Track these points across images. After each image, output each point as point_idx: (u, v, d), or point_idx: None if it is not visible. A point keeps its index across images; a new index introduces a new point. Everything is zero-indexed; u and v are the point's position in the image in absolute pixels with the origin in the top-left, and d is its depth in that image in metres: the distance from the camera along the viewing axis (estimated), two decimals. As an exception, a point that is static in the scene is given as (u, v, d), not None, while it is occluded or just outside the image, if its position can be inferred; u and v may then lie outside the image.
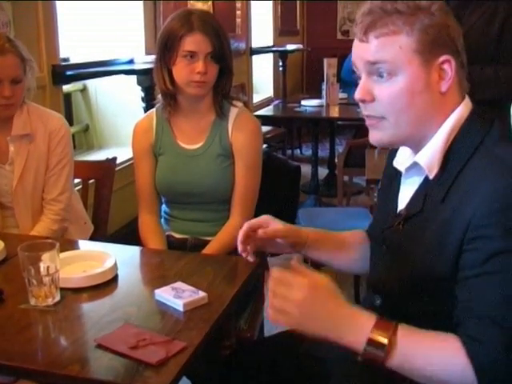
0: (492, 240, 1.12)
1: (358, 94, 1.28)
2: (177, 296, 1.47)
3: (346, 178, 4.38)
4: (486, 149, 1.22)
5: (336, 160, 4.95)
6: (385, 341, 1.12)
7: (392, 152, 1.46)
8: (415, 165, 1.30)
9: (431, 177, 1.26)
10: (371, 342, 1.13)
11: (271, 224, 1.51)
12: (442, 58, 1.22)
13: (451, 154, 1.25)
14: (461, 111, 1.26)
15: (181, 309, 1.44)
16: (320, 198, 5.13)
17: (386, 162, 1.51)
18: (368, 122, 1.31)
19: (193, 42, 1.99)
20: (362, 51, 1.26)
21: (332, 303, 1.18)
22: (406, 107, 1.24)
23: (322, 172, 5.60)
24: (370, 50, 1.24)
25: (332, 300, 1.18)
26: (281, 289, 1.17)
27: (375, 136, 1.31)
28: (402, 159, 1.38)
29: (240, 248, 1.53)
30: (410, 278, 1.29)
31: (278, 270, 1.19)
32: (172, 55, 2.03)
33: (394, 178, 1.43)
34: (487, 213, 1.12)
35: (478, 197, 1.14)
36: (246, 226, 1.51)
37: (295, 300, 1.15)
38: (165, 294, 1.49)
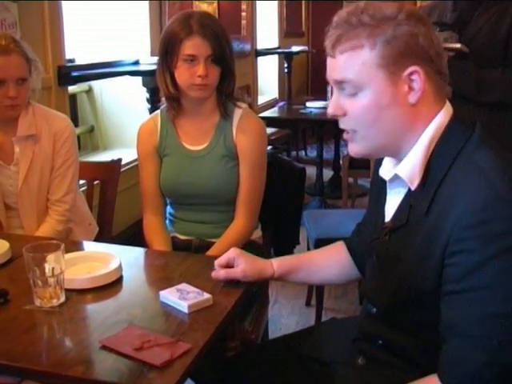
0: (471, 254, 1.11)
1: (329, 109, 1.29)
2: (181, 297, 1.47)
3: (350, 179, 4.38)
4: (466, 155, 1.20)
5: (341, 162, 4.94)
6: None
7: (378, 159, 1.45)
8: (397, 176, 1.29)
9: (413, 188, 1.25)
10: None
11: (237, 261, 1.58)
12: (409, 70, 1.19)
13: (432, 164, 1.23)
14: (440, 119, 1.24)
15: (185, 310, 1.44)
16: (325, 199, 5.12)
17: (373, 169, 1.50)
18: (344, 136, 1.31)
19: (192, 45, 1.99)
20: (331, 69, 1.26)
21: None
22: (375, 121, 1.23)
23: (327, 174, 5.60)
24: (336, 68, 1.24)
25: None
26: None
27: (352, 149, 1.31)
28: (388, 167, 1.37)
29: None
30: (398, 290, 1.29)
31: None
32: (173, 59, 2.03)
33: (381, 187, 1.42)
34: (465, 227, 1.11)
35: (456, 209, 1.13)
36: (216, 265, 1.60)
37: None
38: (169, 296, 1.49)
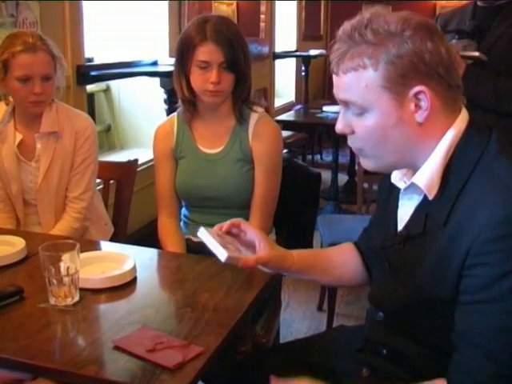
0: (491, 267, 1.10)
1: (337, 127, 1.28)
2: (223, 245, 1.40)
3: (365, 185, 4.35)
4: (486, 165, 1.18)
5: (356, 167, 4.93)
6: None
7: None
8: (413, 184, 1.26)
9: (431, 197, 1.23)
10: None
11: (260, 244, 1.45)
12: (414, 90, 1.16)
13: (450, 173, 1.21)
14: (456, 129, 1.21)
15: (222, 259, 1.38)
16: (339, 204, 5.11)
17: (384, 174, 1.48)
18: (354, 150, 1.31)
19: (205, 52, 1.99)
20: (336, 87, 1.24)
21: None
22: (381, 142, 1.22)
23: (342, 178, 5.58)
24: (340, 88, 1.22)
25: None
26: None
27: (364, 163, 1.31)
28: (400, 174, 1.35)
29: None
30: (411, 298, 1.28)
31: None
32: (188, 63, 2.04)
33: (391, 191, 1.40)
34: (486, 240, 1.10)
35: (477, 222, 1.12)
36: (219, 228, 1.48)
37: None
38: (211, 237, 1.42)
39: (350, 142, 1.28)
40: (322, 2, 8.94)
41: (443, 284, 1.19)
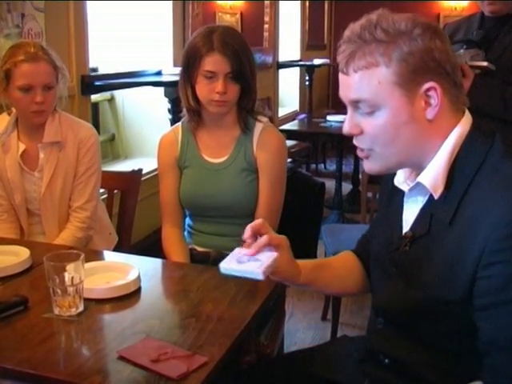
0: (507, 264, 1.10)
1: (345, 128, 1.27)
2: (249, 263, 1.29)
3: (369, 194, 4.36)
4: (491, 166, 1.19)
5: (360, 176, 4.94)
6: None
7: None
8: (418, 185, 1.27)
9: (436, 197, 1.23)
10: None
11: (277, 250, 1.37)
12: (425, 86, 1.18)
13: (455, 173, 1.22)
14: (461, 128, 1.23)
15: (262, 278, 1.26)
16: (343, 213, 5.11)
17: (383, 178, 1.47)
18: (359, 153, 1.30)
19: (212, 62, 2.00)
20: (344, 87, 1.24)
21: None
22: (392, 140, 1.22)
23: (346, 187, 5.58)
24: (351, 87, 1.22)
25: None
26: None
27: (367, 166, 1.30)
28: (403, 177, 1.35)
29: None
30: (421, 299, 1.27)
31: None
32: (194, 73, 2.05)
33: (393, 195, 1.40)
34: (501, 238, 1.10)
35: (489, 221, 1.12)
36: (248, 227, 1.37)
37: None
38: (234, 266, 1.31)
39: (358, 143, 1.28)
40: (326, 12, 8.96)
41: (454, 285, 1.18)
